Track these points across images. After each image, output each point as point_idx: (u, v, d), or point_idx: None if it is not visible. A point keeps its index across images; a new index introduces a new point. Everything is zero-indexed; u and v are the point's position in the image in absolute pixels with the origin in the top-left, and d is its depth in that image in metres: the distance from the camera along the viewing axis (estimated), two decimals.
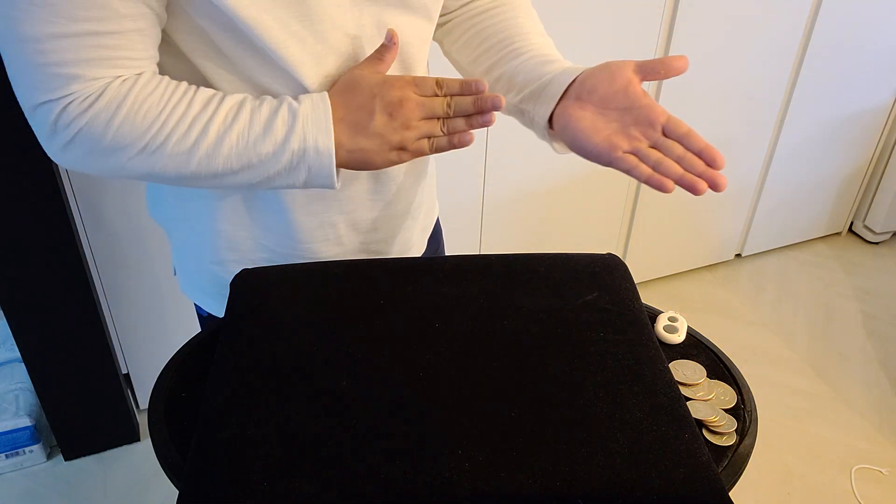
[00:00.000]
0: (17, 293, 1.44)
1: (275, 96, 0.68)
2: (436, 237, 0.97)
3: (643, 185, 2.01)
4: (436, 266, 0.71)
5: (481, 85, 0.66)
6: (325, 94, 0.67)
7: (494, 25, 0.81)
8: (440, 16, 0.84)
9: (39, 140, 0.66)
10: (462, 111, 0.67)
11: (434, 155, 0.73)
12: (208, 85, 0.68)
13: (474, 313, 0.66)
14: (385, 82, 0.67)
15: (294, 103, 0.66)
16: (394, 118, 0.66)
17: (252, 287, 0.69)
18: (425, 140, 0.68)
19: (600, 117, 0.71)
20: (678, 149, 0.68)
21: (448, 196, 1.76)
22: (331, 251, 0.81)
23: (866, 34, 2.01)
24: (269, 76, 0.67)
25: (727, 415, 0.62)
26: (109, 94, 0.62)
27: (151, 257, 1.56)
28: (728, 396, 0.64)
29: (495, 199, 1.84)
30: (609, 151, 0.70)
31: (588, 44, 1.70)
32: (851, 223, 2.49)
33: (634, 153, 0.70)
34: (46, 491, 1.62)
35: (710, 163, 0.67)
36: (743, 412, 0.63)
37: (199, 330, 0.87)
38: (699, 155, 0.67)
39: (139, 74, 0.64)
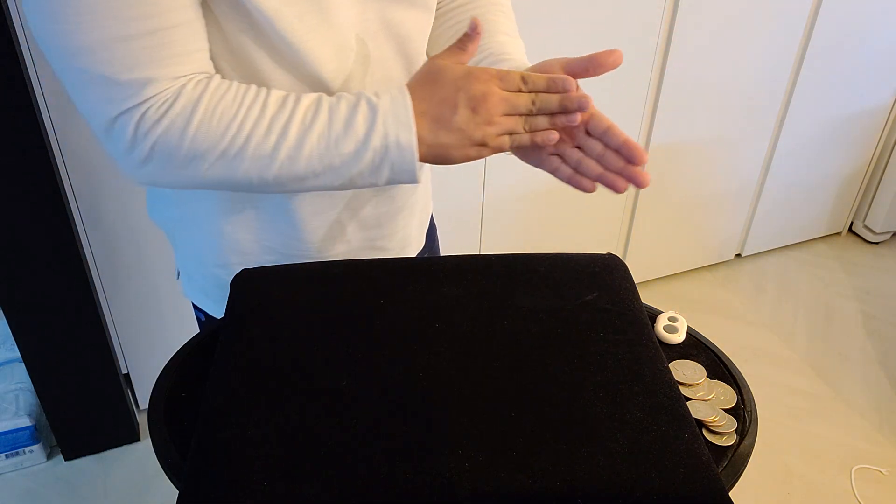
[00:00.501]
0: (17, 293, 1.44)
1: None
2: (431, 233, 0.98)
3: None
4: (436, 266, 0.71)
5: (569, 83, 0.64)
6: (405, 87, 0.65)
7: (466, 21, 0.82)
8: None
9: (116, 158, 0.64)
10: (546, 109, 0.65)
11: None
12: None
13: (474, 313, 0.66)
14: (469, 75, 0.64)
15: (373, 99, 0.64)
16: (477, 113, 0.64)
17: (252, 287, 0.69)
18: (506, 136, 0.66)
19: None
20: (598, 147, 0.67)
21: (448, 196, 1.76)
22: (337, 249, 0.81)
23: (866, 34, 2.01)
24: (285, 76, 0.67)
25: (727, 415, 0.62)
26: (183, 99, 0.61)
27: (151, 257, 1.56)
28: (728, 396, 0.64)
29: (495, 199, 1.84)
30: (536, 154, 0.70)
31: (588, 44, 1.70)
32: (851, 223, 2.49)
33: (559, 154, 0.70)
34: (46, 491, 1.62)
35: (630, 159, 0.66)
36: (743, 412, 0.63)
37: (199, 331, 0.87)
38: (619, 150, 0.66)
39: (209, 78, 0.63)
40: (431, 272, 0.71)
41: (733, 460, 0.59)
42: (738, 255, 2.39)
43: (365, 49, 0.70)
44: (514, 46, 0.80)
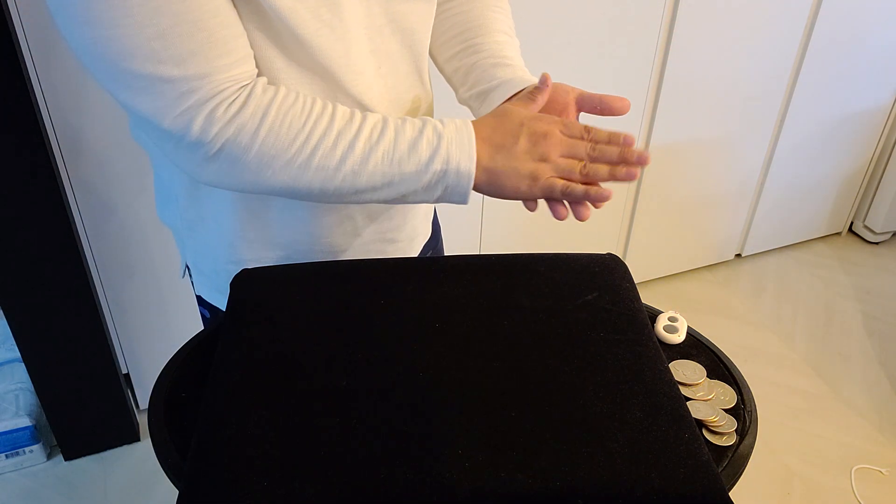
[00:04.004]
0: (17, 293, 1.44)
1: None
2: (435, 223, 0.99)
3: (643, 186, 2.01)
4: (436, 266, 0.71)
5: (630, 139, 0.67)
6: (468, 120, 0.69)
7: (464, 14, 0.83)
8: None
9: (176, 155, 0.64)
10: (605, 158, 0.68)
11: None
12: None
13: (474, 313, 0.66)
14: (536, 116, 0.69)
15: (439, 125, 0.67)
16: (535, 147, 0.68)
17: (252, 287, 0.69)
18: (559, 180, 0.68)
19: None
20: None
21: None
22: (348, 243, 0.81)
23: (866, 33, 2.01)
24: (297, 72, 0.67)
25: (727, 415, 0.62)
26: (253, 103, 0.62)
27: (152, 257, 1.56)
28: (728, 396, 0.64)
29: (495, 198, 1.84)
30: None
31: (588, 44, 1.70)
32: (851, 223, 2.49)
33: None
34: (46, 491, 1.62)
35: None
36: (743, 412, 0.63)
37: (201, 329, 0.88)
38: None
39: (276, 85, 0.64)
40: (431, 272, 0.71)
41: (733, 460, 0.59)
42: (738, 255, 2.39)
43: (373, 43, 0.71)
44: (512, 48, 0.82)
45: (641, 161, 0.67)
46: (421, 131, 0.67)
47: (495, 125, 0.69)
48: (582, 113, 0.77)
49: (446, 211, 1.76)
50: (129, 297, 1.61)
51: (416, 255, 0.92)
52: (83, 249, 1.47)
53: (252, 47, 0.65)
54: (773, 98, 2.02)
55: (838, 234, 2.51)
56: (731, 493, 0.53)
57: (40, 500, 1.60)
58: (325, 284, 0.69)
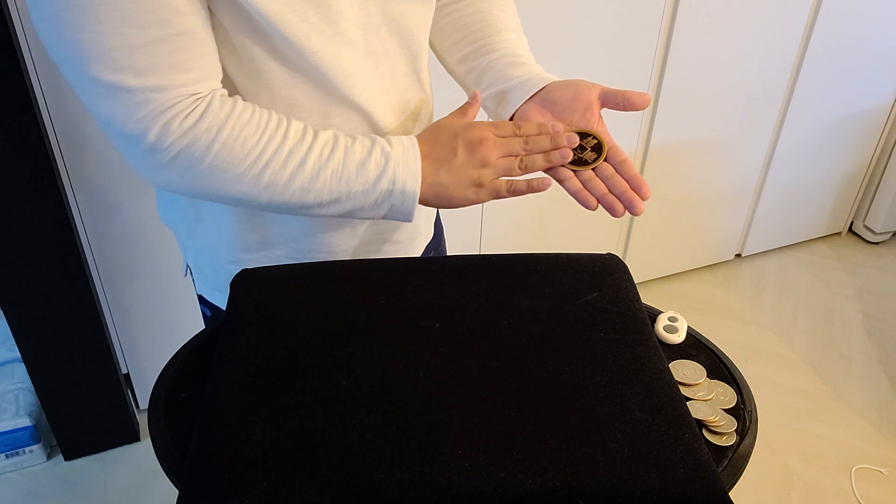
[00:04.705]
0: (17, 293, 1.44)
1: (296, 105, 0.69)
2: (438, 223, 0.99)
3: None
4: (436, 266, 0.71)
5: (557, 126, 0.73)
6: (414, 138, 0.71)
7: (471, 15, 0.84)
8: None
9: (131, 161, 0.65)
10: (539, 148, 0.72)
11: None
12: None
13: (474, 313, 0.66)
14: (467, 125, 0.72)
15: (387, 146, 0.69)
16: (473, 155, 0.70)
17: (252, 287, 0.69)
18: (503, 181, 0.72)
19: None
20: (609, 169, 0.73)
21: None
22: (346, 243, 0.81)
23: (866, 34, 2.01)
24: (289, 75, 0.68)
25: (727, 415, 0.62)
26: (210, 116, 0.63)
27: (152, 257, 1.56)
28: (728, 396, 0.64)
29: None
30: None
31: (589, 43, 1.70)
32: (851, 223, 2.49)
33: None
34: (46, 491, 1.62)
35: (636, 189, 0.72)
36: (743, 412, 0.63)
37: (201, 329, 0.88)
38: (629, 181, 0.72)
39: (234, 98, 0.66)
40: (431, 272, 0.71)
41: (733, 460, 0.59)
42: (738, 255, 2.39)
43: (369, 44, 0.71)
44: (523, 46, 0.83)
45: (570, 143, 0.72)
46: (370, 151, 0.69)
47: (432, 141, 0.71)
48: (604, 108, 0.78)
49: (446, 211, 1.76)
50: (130, 298, 1.61)
51: (418, 256, 0.92)
52: (83, 250, 1.47)
53: (243, 51, 0.66)
54: (773, 98, 2.02)
55: (838, 234, 2.51)
56: (731, 493, 0.53)
57: (40, 500, 1.60)
58: (325, 284, 0.69)
